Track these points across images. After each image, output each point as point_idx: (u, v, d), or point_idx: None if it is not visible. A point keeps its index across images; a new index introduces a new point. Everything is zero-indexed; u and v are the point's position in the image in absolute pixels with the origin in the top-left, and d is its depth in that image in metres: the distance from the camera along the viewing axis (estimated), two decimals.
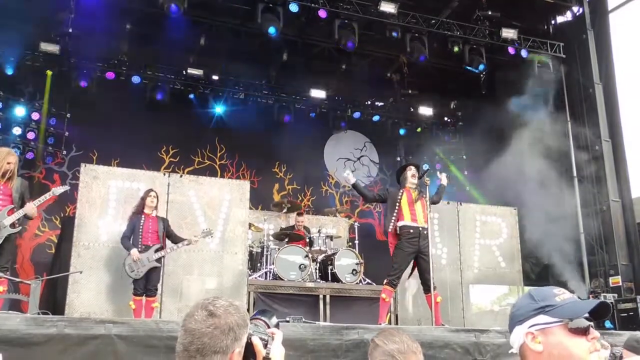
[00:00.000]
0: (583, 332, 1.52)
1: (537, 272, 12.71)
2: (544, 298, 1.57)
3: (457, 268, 9.50)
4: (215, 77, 13.16)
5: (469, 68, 12.09)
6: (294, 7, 10.60)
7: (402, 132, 15.04)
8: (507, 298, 11.00)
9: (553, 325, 1.53)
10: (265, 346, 1.66)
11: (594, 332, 1.52)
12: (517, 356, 1.60)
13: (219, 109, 13.30)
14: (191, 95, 13.12)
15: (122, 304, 7.44)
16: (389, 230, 6.86)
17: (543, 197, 10.34)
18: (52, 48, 11.25)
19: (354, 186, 7.10)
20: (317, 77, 13.99)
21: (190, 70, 12.67)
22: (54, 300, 9.37)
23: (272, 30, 10.49)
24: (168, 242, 7.34)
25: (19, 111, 11.62)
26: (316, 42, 12.89)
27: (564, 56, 12.21)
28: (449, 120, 15.59)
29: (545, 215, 10.38)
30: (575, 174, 11.56)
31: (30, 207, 6.09)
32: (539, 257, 11.64)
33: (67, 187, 6.70)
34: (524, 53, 12.05)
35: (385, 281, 6.82)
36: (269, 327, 1.73)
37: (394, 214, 6.85)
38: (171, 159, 13.09)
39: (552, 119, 11.07)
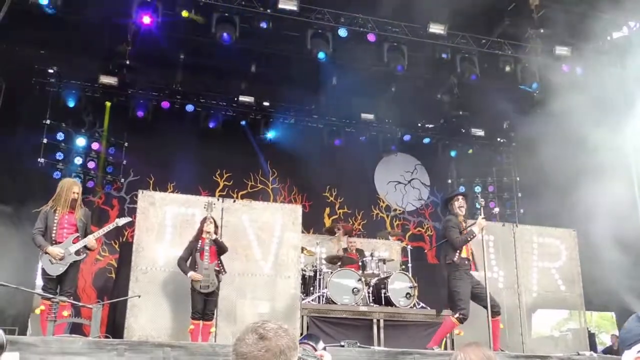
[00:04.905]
0: None
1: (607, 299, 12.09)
2: None
3: (515, 292, 9.21)
4: (266, 104, 13.37)
5: (522, 87, 11.87)
6: (342, 32, 10.75)
7: (453, 153, 14.83)
8: (568, 323, 10.55)
9: None
10: None
11: None
12: None
13: (270, 135, 13.51)
14: (243, 122, 13.39)
15: (179, 327, 7.55)
16: (454, 259, 6.80)
17: (604, 218, 9.92)
18: (110, 80, 11.75)
19: None
20: (367, 100, 14.02)
21: (242, 98, 12.94)
22: (113, 323, 9.60)
23: (321, 55, 10.66)
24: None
25: (80, 142, 12.10)
26: (365, 66, 12.93)
27: (621, 71, 11.82)
28: (501, 140, 15.27)
29: (607, 238, 9.96)
30: (638, 192, 11.08)
31: (91, 240, 6.33)
32: (602, 282, 11.15)
33: (129, 219, 6.90)
34: (578, 70, 11.75)
35: (456, 315, 6.70)
36: (316, 350, 1.73)
37: None
38: (225, 183, 13.34)
39: (612, 135, 10.68)
